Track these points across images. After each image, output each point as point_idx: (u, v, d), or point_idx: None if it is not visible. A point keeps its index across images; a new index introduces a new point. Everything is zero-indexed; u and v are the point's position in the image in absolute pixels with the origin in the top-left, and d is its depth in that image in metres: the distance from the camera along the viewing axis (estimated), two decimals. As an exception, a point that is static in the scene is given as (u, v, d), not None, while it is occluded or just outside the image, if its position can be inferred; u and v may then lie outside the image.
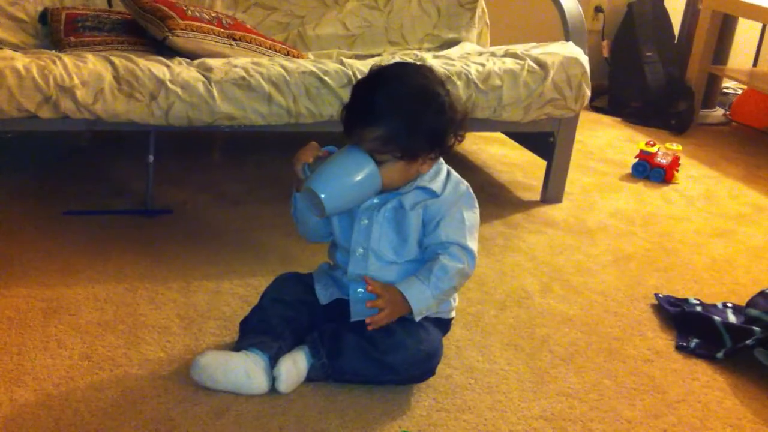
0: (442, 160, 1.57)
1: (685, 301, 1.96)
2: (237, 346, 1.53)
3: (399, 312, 1.49)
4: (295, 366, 1.48)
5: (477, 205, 1.58)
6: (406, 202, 1.52)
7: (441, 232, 1.51)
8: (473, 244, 1.54)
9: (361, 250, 1.54)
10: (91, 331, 1.64)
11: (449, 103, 1.49)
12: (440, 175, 1.55)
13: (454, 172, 1.59)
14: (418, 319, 1.51)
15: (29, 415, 1.38)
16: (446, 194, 1.54)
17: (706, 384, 1.66)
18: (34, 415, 1.38)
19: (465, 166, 1.68)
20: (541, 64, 2.35)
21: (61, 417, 1.38)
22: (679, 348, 1.78)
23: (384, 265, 1.54)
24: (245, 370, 1.46)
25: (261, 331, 1.52)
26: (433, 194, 1.52)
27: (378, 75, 1.52)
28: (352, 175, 1.44)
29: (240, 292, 1.84)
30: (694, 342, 1.79)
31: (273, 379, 1.47)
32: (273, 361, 1.48)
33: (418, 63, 1.62)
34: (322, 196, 1.42)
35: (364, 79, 1.55)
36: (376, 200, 1.53)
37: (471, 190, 1.58)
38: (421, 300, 1.48)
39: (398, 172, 1.48)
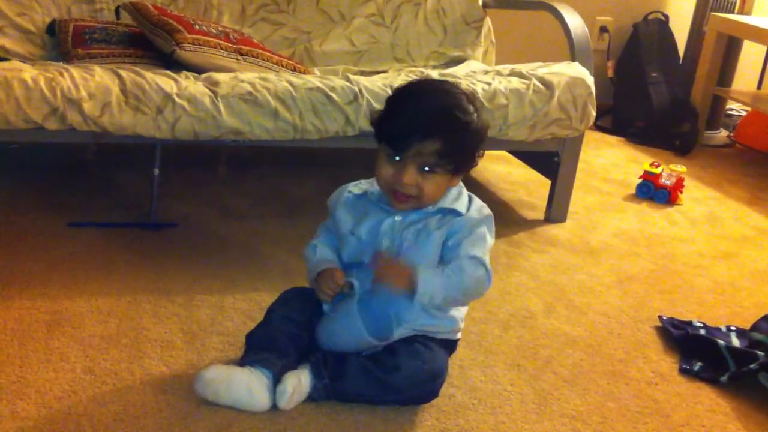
0: (462, 184, 1.61)
1: (689, 323, 1.95)
2: (241, 362, 1.52)
3: (403, 282, 1.46)
4: (299, 384, 1.47)
5: (494, 234, 1.60)
6: (431, 224, 1.54)
7: (463, 248, 1.52)
8: (489, 266, 1.55)
9: None
10: (94, 344, 1.64)
11: (483, 120, 1.56)
12: (462, 197, 1.59)
13: (475, 197, 1.62)
14: (418, 300, 1.47)
15: (31, 428, 1.37)
16: (470, 213, 1.57)
17: (709, 408, 1.66)
18: (36, 429, 1.37)
19: (469, 185, 1.67)
20: (547, 84, 2.35)
21: (63, 431, 1.37)
22: (682, 371, 1.78)
23: None
24: (248, 387, 1.45)
25: (266, 348, 1.51)
26: (458, 214, 1.55)
27: (423, 89, 1.55)
28: (349, 342, 1.51)
29: (243, 307, 1.84)
30: (697, 365, 1.79)
31: (275, 396, 1.46)
32: (276, 379, 1.47)
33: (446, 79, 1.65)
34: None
35: (406, 91, 1.54)
36: (398, 218, 1.54)
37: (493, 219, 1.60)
38: (428, 282, 1.46)
39: (443, 185, 1.53)
